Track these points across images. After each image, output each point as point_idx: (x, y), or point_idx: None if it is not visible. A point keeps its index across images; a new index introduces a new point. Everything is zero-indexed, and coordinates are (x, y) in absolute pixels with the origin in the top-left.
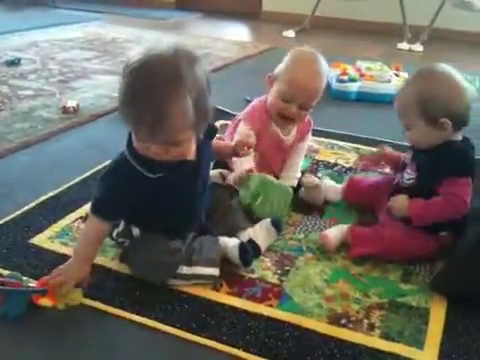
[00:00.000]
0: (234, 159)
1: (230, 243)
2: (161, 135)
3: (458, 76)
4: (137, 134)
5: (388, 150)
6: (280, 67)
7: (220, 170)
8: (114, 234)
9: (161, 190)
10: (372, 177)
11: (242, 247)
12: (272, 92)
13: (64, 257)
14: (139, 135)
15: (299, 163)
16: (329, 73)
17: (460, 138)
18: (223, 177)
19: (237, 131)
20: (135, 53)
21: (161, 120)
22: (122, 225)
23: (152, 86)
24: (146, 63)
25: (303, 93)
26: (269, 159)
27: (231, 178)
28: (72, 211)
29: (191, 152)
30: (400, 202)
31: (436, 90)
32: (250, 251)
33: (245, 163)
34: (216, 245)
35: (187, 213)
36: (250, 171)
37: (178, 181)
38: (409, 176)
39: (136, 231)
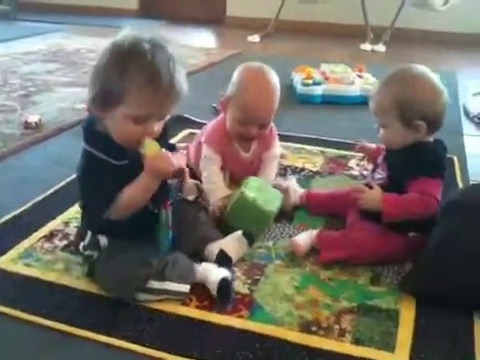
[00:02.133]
0: (206, 187)
1: (211, 276)
2: (170, 106)
3: (436, 79)
4: (153, 106)
5: (366, 144)
6: (231, 88)
7: (195, 182)
8: (80, 247)
9: (127, 178)
10: (333, 187)
11: (221, 286)
12: (229, 117)
13: (28, 279)
14: (156, 107)
15: (269, 175)
16: (294, 77)
17: (432, 139)
18: (199, 189)
19: (203, 156)
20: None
21: (178, 93)
22: (89, 237)
23: (173, 62)
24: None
25: (259, 117)
26: (238, 178)
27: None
28: (36, 230)
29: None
30: (373, 193)
31: (414, 93)
32: (230, 291)
33: (219, 191)
34: (191, 264)
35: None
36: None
37: (140, 171)
38: (380, 176)
39: (104, 241)
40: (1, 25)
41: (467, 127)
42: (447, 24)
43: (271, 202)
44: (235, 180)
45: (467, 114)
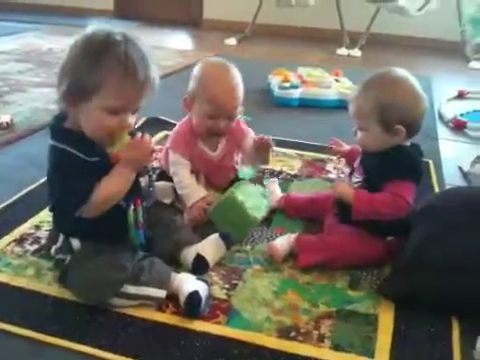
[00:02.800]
0: (181, 193)
1: (184, 287)
2: (145, 97)
3: (416, 83)
4: (130, 98)
5: (347, 147)
6: (194, 85)
7: (171, 184)
8: (52, 251)
9: (97, 176)
10: (311, 190)
11: (190, 298)
12: (195, 113)
13: None
14: (132, 98)
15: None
16: (271, 81)
17: (409, 144)
18: (175, 192)
19: (170, 161)
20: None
21: (153, 84)
22: (61, 240)
23: (146, 56)
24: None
25: (227, 107)
26: (210, 179)
27: (186, 217)
28: (6, 234)
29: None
30: (346, 186)
31: (395, 97)
32: (197, 305)
33: (194, 194)
34: (168, 269)
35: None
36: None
37: (112, 167)
38: (356, 179)
39: (76, 244)
40: None
41: (442, 131)
42: (422, 30)
43: (258, 209)
44: (211, 182)
45: (442, 119)
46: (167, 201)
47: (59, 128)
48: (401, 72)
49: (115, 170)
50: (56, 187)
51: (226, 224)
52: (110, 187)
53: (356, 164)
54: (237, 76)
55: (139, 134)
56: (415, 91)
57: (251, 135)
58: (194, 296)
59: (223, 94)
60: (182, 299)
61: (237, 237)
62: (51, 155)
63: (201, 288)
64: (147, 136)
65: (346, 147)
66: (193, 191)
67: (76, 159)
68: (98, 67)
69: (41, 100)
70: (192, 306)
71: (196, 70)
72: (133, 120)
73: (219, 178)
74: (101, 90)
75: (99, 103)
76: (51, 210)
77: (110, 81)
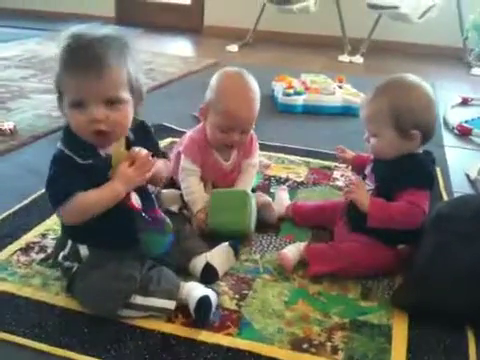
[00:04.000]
0: (187, 199)
1: (193, 294)
2: (106, 83)
3: (429, 88)
4: (83, 86)
5: (352, 154)
6: (210, 95)
7: (179, 192)
8: (60, 257)
9: (92, 179)
10: (318, 198)
11: (199, 303)
12: (209, 125)
13: (3, 295)
14: (86, 86)
15: (247, 181)
16: (275, 87)
17: (421, 151)
18: (183, 199)
19: (181, 167)
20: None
21: (107, 67)
22: (69, 246)
23: (100, 40)
24: (89, 27)
25: (241, 122)
26: (216, 185)
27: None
28: (10, 243)
29: (126, 127)
30: (364, 194)
31: (410, 102)
32: (208, 310)
33: (199, 201)
34: (177, 280)
35: (122, 212)
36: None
37: (107, 173)
38: (368, 187)
39: (84, 251)
40: None
41: (447, 138)
42: (424, 36)
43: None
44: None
45: (447, 125)
46: (174, 209)
47: (66, 130)
48: (414, 78)
49: (109, 184)
50: (47, 182)
51: (224, 218)
52: (95, 197)
53: (367, 171)
54: (255, 89)
55: (136, 149)
56: (429, 96)
57: (254, 161)
58: (205, 300)
59: (238, 108)
60: (192, 306)
61: (244, 222)
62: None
63: (211, 294)
64: (144, 152)
65: (351, 154)
66: (199, 198)
67: (68, 160)
68: (59, 66)
69: (44, 107)
70: (203, 311)
71: (214, 80)
72: (102, 112)
73: (227, 187)
74: (64, 87)
75: (66, 100)
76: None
77: (65, 76)
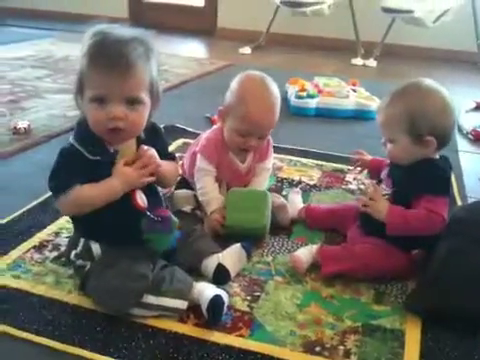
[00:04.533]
0: (202, 199)
1: (205, 293)
2: (130, 82)
3: (447, 94)
4: (107, 83)
5: (369, 157)
6: (230, 98)
7: (192, 192)
8: (72, 256)
9: (98, 174)
10: (331, 201)
11: (212, 303)
12: (228, 128)
13: (18, 292)
14: (110, 83)
15: (261, 183)
16: (288, 89)
17: (437, 156)
18: (196, 200)
19: (197, 167)
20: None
21: (133, 66)
22: (81, 244)
23: (127, 40)
24: (112, 27)
25: (260, 128)
26: (230, 185)
27: (206, 225)
28: (24, 240)
29: (141, 128)
30: (381, 204)
31: (427, 107)
32: (221, 310)
33: (214, 202)
34: (189, 279)
35: (131, 210)
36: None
37: (109, 169)
38: (385, 192)
39: (96, 249)
40: None
41: (461, 143)
42: (438, 41)
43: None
44: None
45: (461, 130)
46: (187, 209)
47: (80, 125)
48: (430, 82)
49: (107, 180)
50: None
51: (242, 215)
52: (91, 191)
53: (384, 175)
54: (276, 94)
55: (145, 147)
56: (446, 102)
57: (268, 164)
58: (217, 300)
59: (258, 114)
60: (204, 306)
61: (261, 222)
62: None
63: (223, 294)
64: (150, 152)
65: (368, 157)
66: (214, 199)
67: (76, 154)
68: (83, 60)
69: (58, 107)
70: (215, 310)
71: (235, 83)
72: (121, 111)
73: (239, 184)
74: (87, 82)
75: (87, 95)
76: None
77: (90, 71)
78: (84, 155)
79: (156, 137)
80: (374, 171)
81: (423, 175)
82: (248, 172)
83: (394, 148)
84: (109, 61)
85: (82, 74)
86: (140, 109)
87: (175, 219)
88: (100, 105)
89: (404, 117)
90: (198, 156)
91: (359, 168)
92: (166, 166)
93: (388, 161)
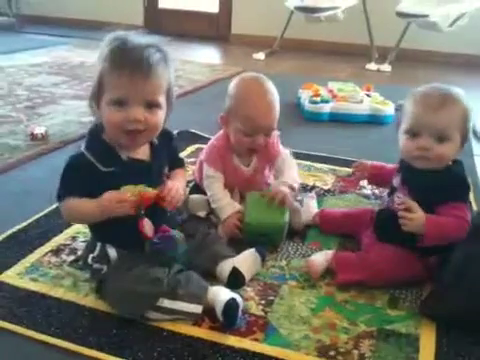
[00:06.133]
0: (214, 206)
1: (219, 297)
2: (151, 85)
3: None
4: (128, 85)
5: (369, 163)
6: (229, 102)
7: (205, 197)
8: (89, 259)
9: (112, 186)
10: (345, 206)
11: (227, 306)
12: (233, 131)
13: (35, 295)
14: (131, 85)
15: (291, 174)
16: (302, 95)
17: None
18: (209, 204)
19: (204, 175)
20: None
21: (154, 70)
22: (98, 249)
23: (147, 45)
24: (128, 34)
25: (262, 125)
26: (241, 193)
27: (220, 231)
28: (42, 244)
29: (157, 132)
30: (420, 217)
31: (469, 111)
32: (236, 313)
33: (227, 208)
34: (205, 284)
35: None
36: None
37: (128, 178)
38: (400, 200)
39: (113, 253)
40: (7, 37)
41: (477, 148)
42: (452, 45)
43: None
44: (238, 198)
45: (476, 135)
46: (202, 214)
47: (93, 135)
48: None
49: (93, 201)
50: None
51: (263, 219)
52: (79, 207)
53: (397, 183)
54: (271, 90)
55: (168, 185)
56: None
57: (283, 154)
58: (232, 304)
59: (257, 112)
60: (219, 309)
61: (278, 232)
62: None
63: (237, 297)
64: (173, 189)
65: (368, 162)
66: (226, 205)
67: (86, 164)
68: (106, 63)
69: (74, 113)
70: (231, 313)
71: (231, 87)
72: (140, 113)
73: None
74: (105, 85)
75: (106, 98)
76: None
77: (111, 74)
78: (95, 166)
79: (168, 142)
80: (374, 177)
81: (446, 181)
82: (254, 174)
83: (446, 148)
84: (132, 64)
85: (102, 78)
86: (159, 113)
87: (178, 236)
88: (120, 107)
89: (460, 117)
90: (204, 164)
91: (358, 173)
92: (181, 183)
93: (398, 168)
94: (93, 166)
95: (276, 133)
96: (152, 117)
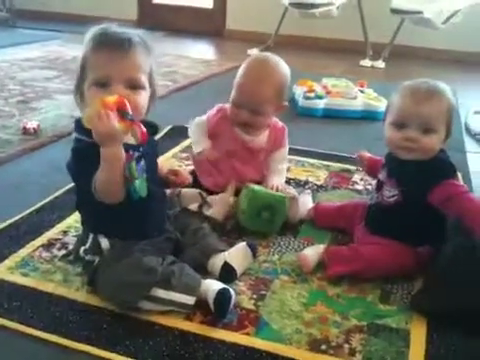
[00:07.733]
0: (211, 197)
1: (211, 288)
2: (131, 62)
3: None
4: (109, 63)
5: (368, 155)
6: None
7: (198, 190)
8: (81, 251)
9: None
10: (338, 201)
11: (219, 295)
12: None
13: (26, 289)
14: (111, 63)
15: (281, 169)
16: (296, 90)
17: None
18: (202, 197)
19: (195, 122)
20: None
21: (134, 48)
22: (90, 240)
23: (130, 32)
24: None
25: (250, 98)
26: (240, 169)
27: (211, 213)
28: (33, 239)
29: (141, 114)
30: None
31: (455, 105)
32: (228, 302)
33: (202, 142)
34: (198, 276)
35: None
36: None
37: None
38: (391, 193)
39: (105, 243)
40: (0, 32)
41: (470, 145)
42: (446, 42)
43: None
44: (242, 175)
45: (469, 132)
46: (193, 207)
47: (77, 122)
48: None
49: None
50: (74, 172)
51: (262, 215)
52: (101, 175)
53: (383, 177)
54: (275, 71)
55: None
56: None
57: (284, 152)
58: (224, 293)
59: (246, 86)
60: (211, 298)
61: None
62: (72, 145)
63: (230, 289)
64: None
65: (367, 154)
66: (201, 140)
67: (90, 146)
68: (88, 46)
69: (67, 107)
70: (222, 302)
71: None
72: (124, 92)
73: (250, 168)
74: (89, 66)
75: (89, 80)
76: (77, 206)
77: (92, 55)
78: (95, 144)
79: (152, 133)
80: (370, 169)
81: (433, 165)
82: (259, 151)
83: (432, 139)
84: (111, 43)
85: (85, 62)
86: (142, 93)
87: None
88: (102, 88)
89: (446, 110)
90: (203, 116)
91: (363, 167)
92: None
93: (383, 162)
94: (91, 145)
95: (280, 123)
96: (135, 96)
